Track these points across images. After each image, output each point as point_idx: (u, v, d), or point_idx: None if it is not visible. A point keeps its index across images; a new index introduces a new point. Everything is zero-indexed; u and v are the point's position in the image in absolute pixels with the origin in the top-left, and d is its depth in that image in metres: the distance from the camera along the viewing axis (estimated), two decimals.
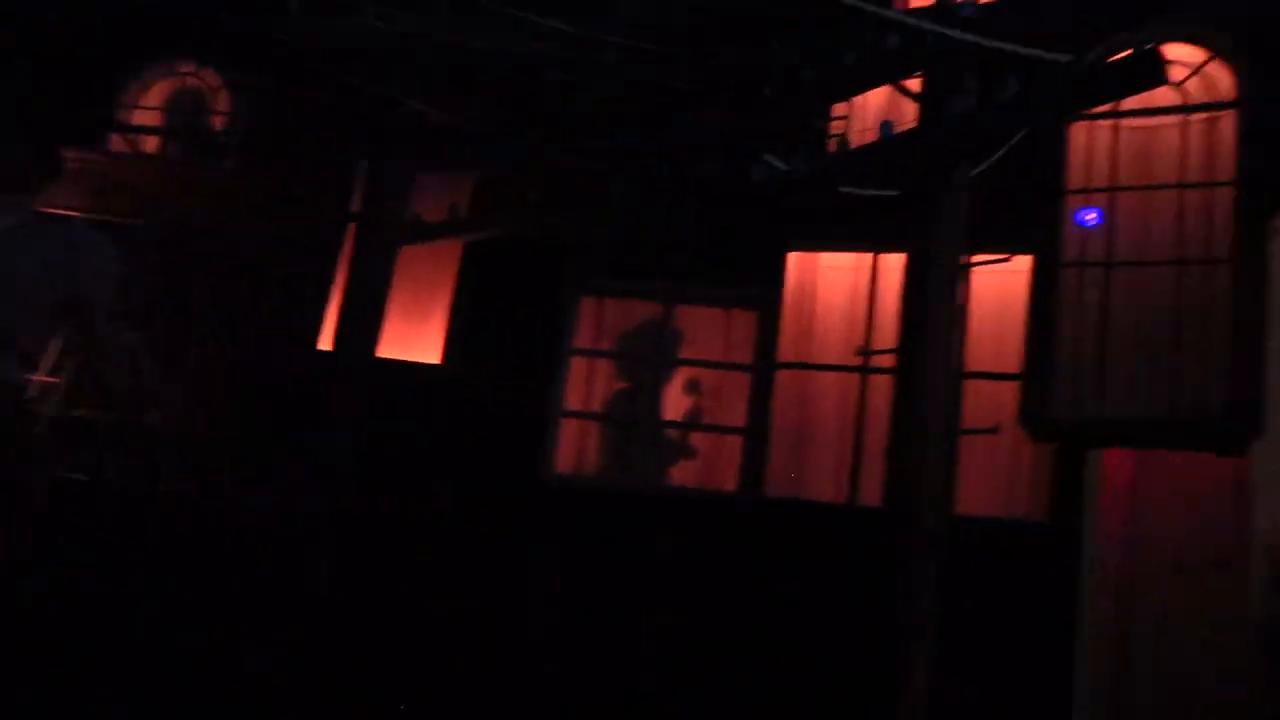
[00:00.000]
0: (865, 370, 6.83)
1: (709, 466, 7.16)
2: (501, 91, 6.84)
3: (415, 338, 7.69)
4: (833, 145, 6.68)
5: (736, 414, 7.06)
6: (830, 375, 6.95)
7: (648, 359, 7.24)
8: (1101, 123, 6.29)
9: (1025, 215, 6.33)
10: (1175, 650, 6.35)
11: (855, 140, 6.65)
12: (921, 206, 5.37)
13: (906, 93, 6.03)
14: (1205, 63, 6.12)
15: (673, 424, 7.33)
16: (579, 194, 6.80)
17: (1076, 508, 6.47)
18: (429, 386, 7.42)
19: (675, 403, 7.41)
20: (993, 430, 6.06)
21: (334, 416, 6.47)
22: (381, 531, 6.73)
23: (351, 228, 7.51)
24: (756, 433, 6.91)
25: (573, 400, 7.31)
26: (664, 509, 6.96)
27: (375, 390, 6.56)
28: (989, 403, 6.59)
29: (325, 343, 7.41)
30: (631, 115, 6.64)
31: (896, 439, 6.17)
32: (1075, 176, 6.30)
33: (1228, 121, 6.01)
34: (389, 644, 6.44)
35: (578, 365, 7.33)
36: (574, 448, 7.26)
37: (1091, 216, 6.40)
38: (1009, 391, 6.45)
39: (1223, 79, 6.13)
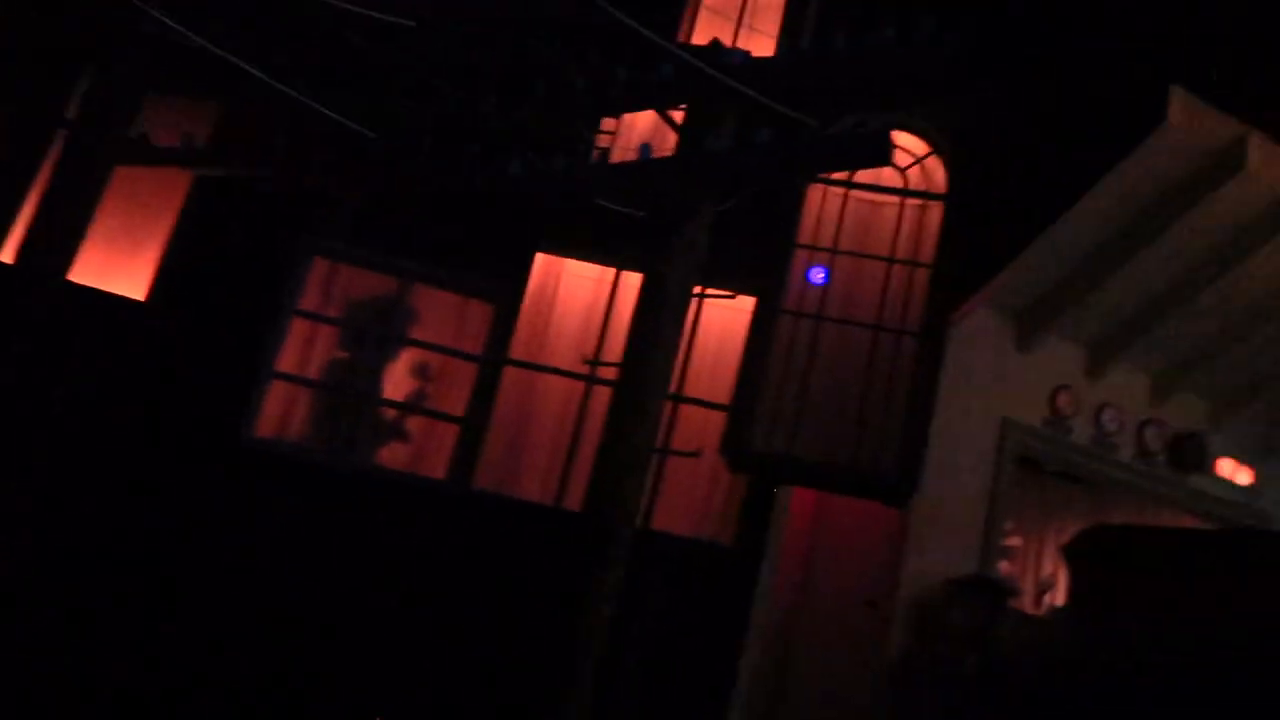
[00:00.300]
0: (591, 380, 6.60)
1: (421, 452, 6.69)
2: (266, 28, 6.32)
3: (119, 268, 6.78)
4: (595, 158, 6.78)
5: (457, 403, 6.66)
6: (558, 379, 6.68)
7: (375, 333, 6.76)
8: (835, 189, 6.52)
9: (757, 260, 6.61)
10: (827, 673, 6.89)
11: (617, 157, 6.78)
12: (665, 232, 5.51)
13: (671, 123, 6.16)
14: (926, 156, 6.64)
15: (390, 403, 6.80)
16: (332, 149, 6.40)
17: (762, 536, 6.89)
18: (127, 324, 6.56)
19: (396, 383, 6.86)
20: (695, 454, 6.11)
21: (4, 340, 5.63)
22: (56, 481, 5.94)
23: (65, 134, 6.66)
24: (475, 424, 6.53)
25: (287, 362, 6.61)
26: (368, 488, 6.38)
27: (61, 318, 5.81)
28: (699, 428, 6.85)
29: (7, 254, 6.53)
30: (399, 82, 6.36)
31: (604, 450, 6.30)
32: (805, 233, 6.51)
33: (936, 211, 6.43)
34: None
35: (299, 327, 6.64)
36: (280, 413, 6.57)
37: (820, 275, 6.90)
38: (718, 421, 6.52)
39: (938, 173, 6.51)
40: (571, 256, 6.86)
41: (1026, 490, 8.04)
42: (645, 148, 5.95)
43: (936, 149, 6.49)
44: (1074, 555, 2.93)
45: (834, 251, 6.57)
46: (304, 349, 6.67)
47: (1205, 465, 7.68)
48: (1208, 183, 6.56)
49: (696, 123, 5.55)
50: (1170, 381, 7.59)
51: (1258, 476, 7.93)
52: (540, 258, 6.85)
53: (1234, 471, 7.88)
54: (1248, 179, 6.50)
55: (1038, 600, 7.84)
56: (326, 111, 5.58)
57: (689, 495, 6.66)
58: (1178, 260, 6.90)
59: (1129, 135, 6.48)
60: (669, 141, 6.16)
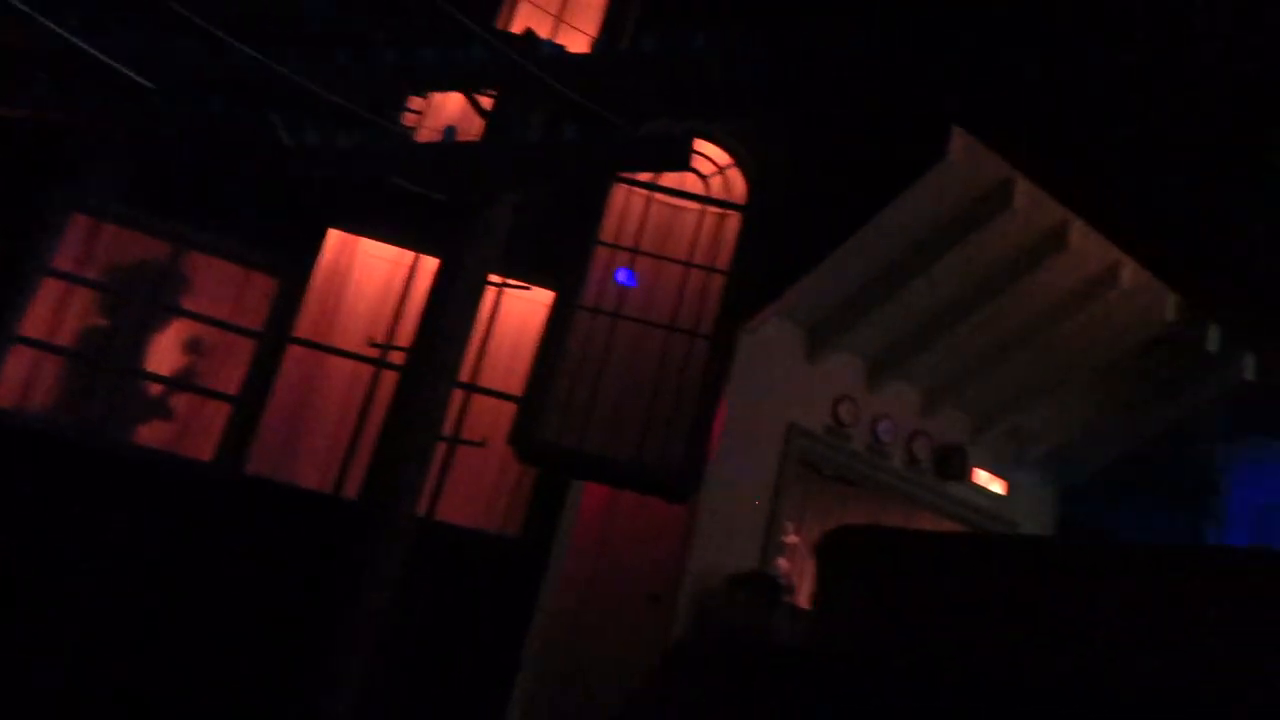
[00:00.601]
0: (380, 364, 6.34)
1: (187, 431, 6.19)
2: None
3: None
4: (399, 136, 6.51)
5: (232, 381, 6.22)
6: (345, 362, 6.33)
7: (140, 300, 6.17)
8: (639, 191, 6.50)
9: (557, 254, 6.62)
10: (611, 662, 6.93)
11: (423, 139, 6.53)
12: (465, 218, 5.38)
13: (479, 109, 6.03)
14: (728, 167, 6.77)
15: (153, 377, 6.24)
16: (105, 93, 5.82)
17: (551, 529, 6.84)
18: None
19: (162, 355, 6.31)
20: (481, 444, 5.91)
21: None
22: None
23: None
24: (250, 404, 6.09)
25: (35, 326, 5.93)
26: (123, 468, 5.83)
27: None
28: (491, 419, 6.71)
29: None
30: (191, 31, 5.87)
31: (386, 436, 6.04)
32: (608, 231, 6.45)
33: (735, 221, 6.52)
34: None
35: (51, 287, 5.98)
36: (23, 381, 5.90)
37: (627, 277, 6.93)
38: (511, 412, 6.30)
39: (739, 184, 6.62)
40: (367, 235, 6.55)
41: (807, 492, 8.41)
42: (450, 130, 5.77)
43: (738, 161, 6.64)
44: (822, 553, 3.05)
45: (634, 251, 6.60)
46: (56, 312, 6.02)
47: (965, 474, 8.27)
48: (979, 217, 7.05)
49: (505, 112, 5.43)
50: (938, 397, 8.13)
51: (1009, 487, 8.63)
52: (333, 234, 6.50)
53: (989, 481, 8.54)
54: (1013, 216, 7.02)
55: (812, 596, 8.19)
56: (93, 51, 5.05)
57: (478, 486, 6.50)
58: (950, 286, 7.38)
59: (914, 167, 6.86)
60: (476, 128, 6.00)
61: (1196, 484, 8.62)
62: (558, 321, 6.30)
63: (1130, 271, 7.39)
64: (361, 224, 6.48)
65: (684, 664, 6.21)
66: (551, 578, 6.53)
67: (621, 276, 6.69)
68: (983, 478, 8.42)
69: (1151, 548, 3.39)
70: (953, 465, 8.16)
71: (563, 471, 6.39)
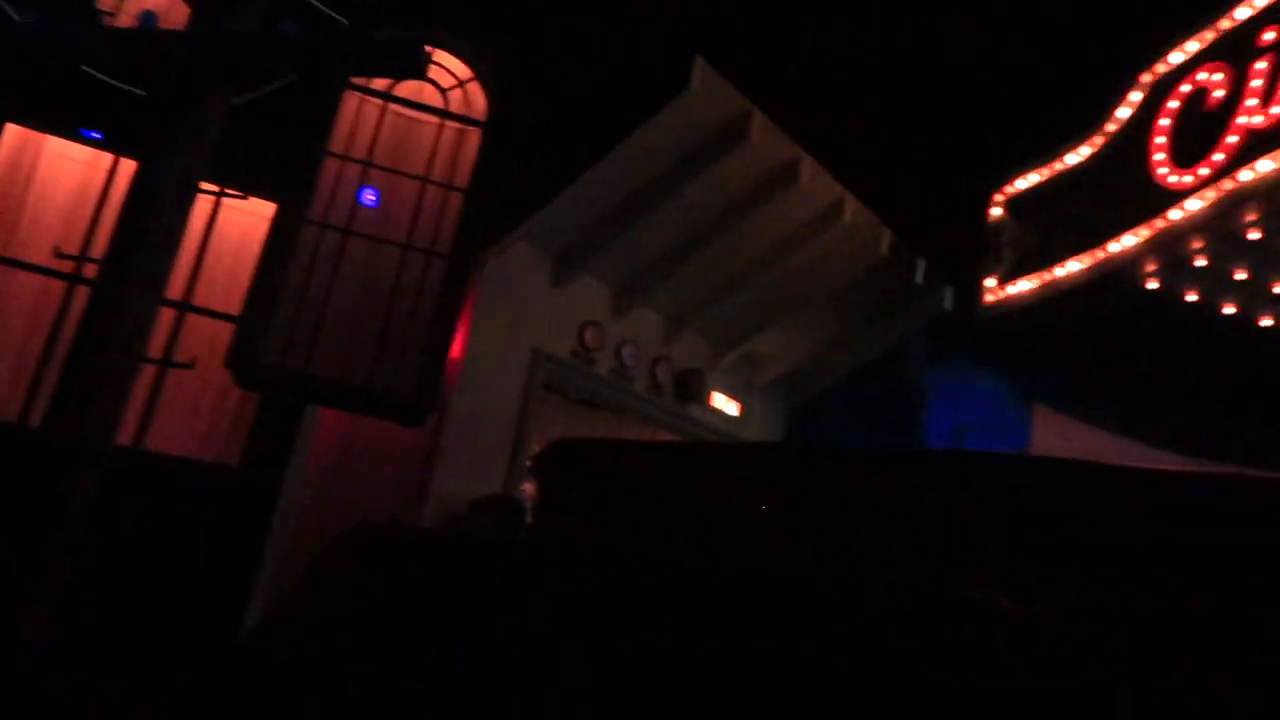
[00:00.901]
0: (75, 279, 5.95)
1: None
2: None
3: None
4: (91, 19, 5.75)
5: None
6: (31, 276, 5.62)
7: None
8: (373, 100, 6.13)
9: (281, 163, 6.12)
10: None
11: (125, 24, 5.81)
12: (173, 117, 4.87)
13: None
14: (468, 81, 6.60)
15: None
16: None
17: (280, 458, 6.48)
18: None
19: None
20: (189, 365, 5.57)
21: None
22: None
23: None
24: None
25: None
26: None
27: None
28: (209, 341, 6.22)
29: None
30: None
31: (77, 357, 5.43)
32: (339, 142, 6.07)
33: (474, 138, 6.32)
34: None
35: None
36: None
37: (371, 197, 6.54)
38: (229, 332, 6.19)
39: (479, 101, 6.41)
40: (53, 133, 5.78)
41: (554, 416, 8.48)
42: (148, 15, 5.19)
43: (479, 76, 6.40)
44: (540, 466, 3.02)
45: (368, 164, 6.24)
46: None
47: (703, 397, 8.64)
48: (718, 149, 7.24)
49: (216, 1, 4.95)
50: (680, 324, 8.39)
51: (743, 408, 9.12)
52: (12, 130, 5.68)
53: (726, 404, 8.99)
54: (750, 150, 7.27)
55: None
56: None
57: (194, 413, 6.02)
58: (692, 215, 7.57)
59: (658, 95, 6.92)
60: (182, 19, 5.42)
61: (905, 405, 9.48)
62: (281, 236, 5.87)
63: (852, 208, 7.89)
64: (46, 119, 5.71)
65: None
66: (285, 507, 6.20)
67: (365, 196, 6.32)
68: (719, 400, 8.84)
69: (840, 449, 3.63)
70: (692, 389, 8.50)
71: (288, 396, 6.03)
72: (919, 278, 8.48)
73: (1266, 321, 7.03)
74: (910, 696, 1.29)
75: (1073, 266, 7.21)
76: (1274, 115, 6.01)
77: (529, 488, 8.07)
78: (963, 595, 1.47)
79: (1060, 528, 1.82)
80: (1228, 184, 6.17)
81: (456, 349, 6.94)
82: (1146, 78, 7.01)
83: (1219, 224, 6.29)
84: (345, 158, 6.15)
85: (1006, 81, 7.49)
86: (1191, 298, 6.95)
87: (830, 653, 1.37)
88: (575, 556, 2.10)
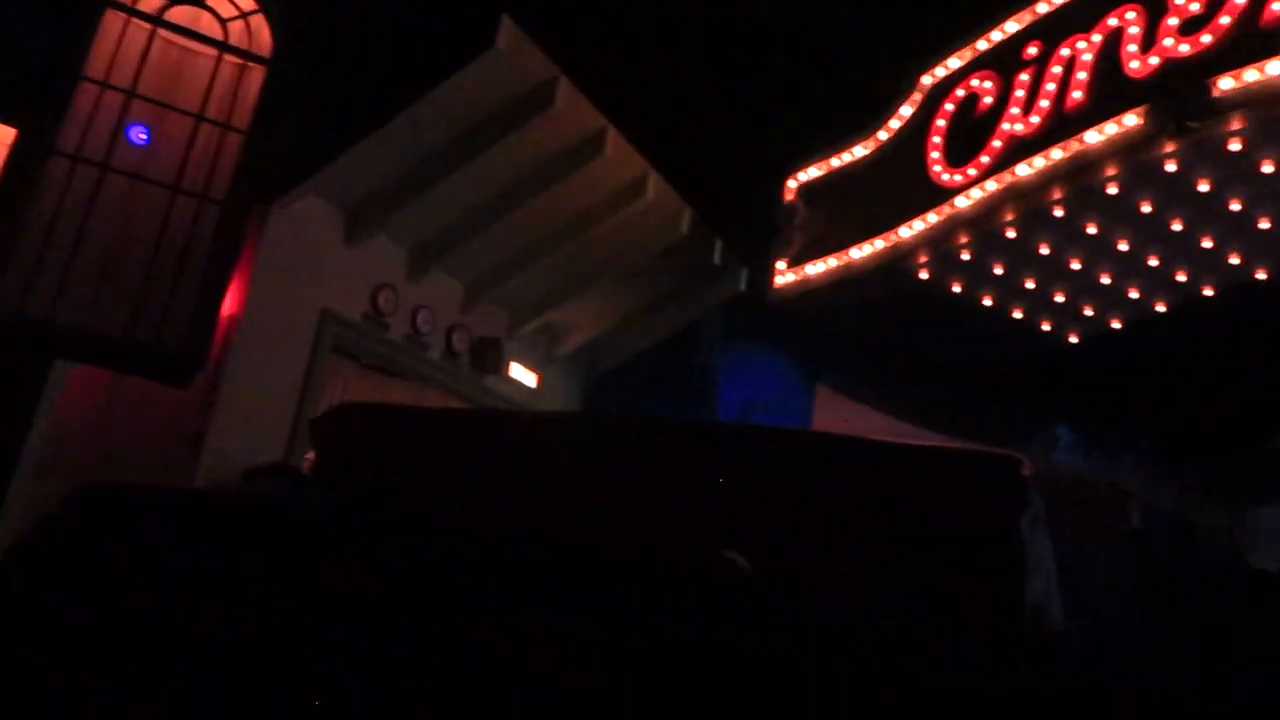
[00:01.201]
0: None
1: None
2: None
3: None
4: None
5: None
6: None
7: None
8: (141, 24, 5.55)
9: (26, 85, 5.47)
10: None
11: None
12: None
13: None
14: (252, 13, 6.02)
15: None
16: None
17: (19, 415, 5.78)
18: None
19: None
20: None
21: None
22: None
23: None
24: None
25: None
26: None
27: None
28: None
29: None
30: None
31: None
32: (97, 66, 5.44)
33: (257, 75, 5.80)
34: None
35: None
36: None
37: (143, 136, 5.89)
38: None
39: (264, 37, 6.05)
40: None
41: (344, 383, 8.07)
42: None
43: (263, 8, 5.92)
44: (317, 432, 2.82)
45: (131, 94, 5.62)
46: None
47: (500, 368, 8.49)
48: (523, 114, 7.08)
49: None
50: (478, 291, 8.19)
51: (541, 380, 9.05)
52: None
53: (523, 375, 8.88)
54: (556, 117, 7.16)
55: None
56: None
57: None
58: (493, 180, 7.38)
59: (463, 52, 6.67)
60: None
61: (699, 382, 9.72)
62: (23, 166, 5.19)
63: (655, 184, 7.97)
64: None
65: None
66: (26, 469, 5.54)
67: (135, 135, 5.70)
68: (517, 371, 8.73)
69: (622, 418, 3.65)
70: (489, 358, 8.33)
71: (29, 347, 5.37)
72: (717, 258, 8.69)
73: (1018, 314, 7.73)
74: (613, 642, 1.35)
75: (855, 254, 7.62)
76: (1034, 124, 6.57)
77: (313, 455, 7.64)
78: (701, 551, 1.53)
79: (801, 493, 1.94)
80: (991, 185, 6.70)
81: (235, 305, 6.45)
82: (926, 79, 7.49)
83: (983, 222, 6.82)
84: (105, 84, 5.51)
85: (809, 66, 7.76)
86: (956, 289, 7.52)
87: (554, 601, 1.40)
88: (327, 515, 2.03)
